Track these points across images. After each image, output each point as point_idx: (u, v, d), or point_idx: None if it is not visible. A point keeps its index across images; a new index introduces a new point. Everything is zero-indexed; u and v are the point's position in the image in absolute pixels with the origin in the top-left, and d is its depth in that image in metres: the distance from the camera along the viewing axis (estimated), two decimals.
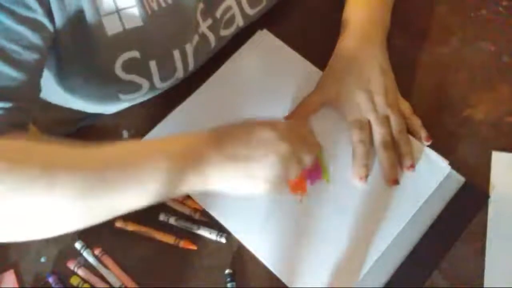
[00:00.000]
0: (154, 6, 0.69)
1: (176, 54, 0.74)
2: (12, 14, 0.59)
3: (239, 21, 0.81)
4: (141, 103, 0.81)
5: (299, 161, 0.64)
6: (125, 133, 0.82)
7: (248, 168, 0.61)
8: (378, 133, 0.76)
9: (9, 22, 0.59)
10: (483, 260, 0.71)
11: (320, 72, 0.81)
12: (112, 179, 0.57)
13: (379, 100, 0.77)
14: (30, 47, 0.61)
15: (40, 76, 0.65)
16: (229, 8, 0.78)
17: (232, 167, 0.61)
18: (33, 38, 0.61)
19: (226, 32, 0.81)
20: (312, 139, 0.69)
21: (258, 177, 0.62)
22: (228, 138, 0.63)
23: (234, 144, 0.62)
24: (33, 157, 0.57)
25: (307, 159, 0.65)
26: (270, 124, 0.64)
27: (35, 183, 0.55)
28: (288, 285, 0.70)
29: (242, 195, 0.63)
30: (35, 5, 0.60)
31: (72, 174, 0.56)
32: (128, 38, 0.69)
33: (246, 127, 0.64)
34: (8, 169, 0.55)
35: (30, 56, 0.61)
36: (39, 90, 0.66)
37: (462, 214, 0.73)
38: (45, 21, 0.62)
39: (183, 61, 0.76)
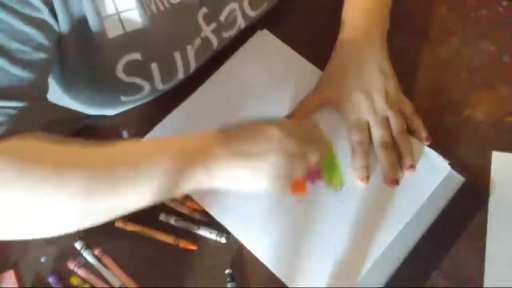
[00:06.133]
0: (154, 8, 0.69)
1: (177, 56, 0.74)
2: (18, 14, 0.59)
3: (241, 23, 0.81)
4: (141, 103, 0.82)
5: (305, 159, 0.65)
6: (125, 133, 0.82)
7: (254, 164, 0.62)
8: (377, 134, 0.76)
9: (16, 22, 0.59)
10: (483, 260, 0.71)
11: (320, 72, 0.81)
12: (120, 178, 0.58)
13: (378, 100, 0.77)
14: (38, 47, 0.61)
15: (48, 75, 0.65)
16: (232, 11, 0.78)
17: (238, 163, 0.61)
18: (40, 38, 0.61)
19: (227, 34, 0.81)
20: (320, 139, 0.69)
21: (263, 174, 0.62)
22: (235, 135, 0.63)
23: (241, 141, 0.62)
24: (44, 157, 0.58)
25: (313, 158, 0.66)
26: (278, 123, 0.65)
27: (46, 182, 0.56)
28: (288, 285, 0.70)
29: (246, 191, 0.63)
30: (40, 5, 0.60)
31: (81, 174, 0.57)
32: (129, 41, 0.69)
33: (254, 126, 0.64)
34: (19, 169, 0.56)
35: (38, 56, 0.61)
36: (47, 89, 0.66)
37: (462, 214, 0.73)
38: (51, 20, 0.62)
39: (184, 63, 0.76)
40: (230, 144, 0.62)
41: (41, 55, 0.62)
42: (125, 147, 0.62)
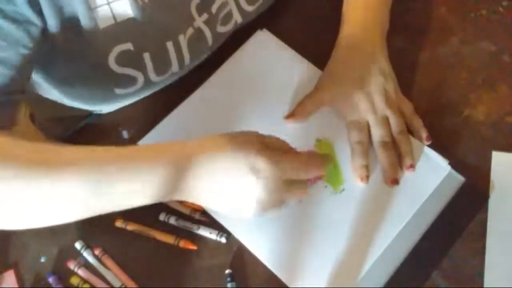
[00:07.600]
0: None
1: (170, 46, 0.74)
2: None
3: (237, 18, 0.81)
4: (141, 103, 0.81)
5: (296, 188, 0.63)
6: (125, 133, 0.82)
7: (228, 197, 0.61)
8: (377, 134, 0.76)
9: None
10: (483, 260, 0.71)
11: (320, 72, 0.81)
12: (117, 174, 0.57)
13: (378, 100, 0.76)
14: (15, 42, 0.60)
15: (29, 70, 0.65)
16: (225, 3, 0.78)
17: (216, 190, 0.60)
18: (17, 33, 0.60)
19: (223, 29, 0.81)
20: (314, 165, 0.65)
21: (252, 199, 0.60)
22: (221, 160, 0.60)
23: (224, 172, 0.60)
24: (16, 154, 0.57)
25: (304, 187, 0.65)
26: (270, 155, 0.61)
27: (16, 179, 0.55)
28: (288, 285, 0.70)
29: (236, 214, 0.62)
30: None
31: (75, 167, 0.56)
32: (120, 31, 0.69)
33: (243, 152, 0.60)
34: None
35: (15, 51, 0.61)
36: (26, 85, 0.65)
37: (462, 214, 0.74)
38: (31, 15, 0.61)
39: (178, 54, 0.75)
40: (214, 165, 0.60)
41: (20, 51, 0.61)
42: (116, 149, 0.60)
